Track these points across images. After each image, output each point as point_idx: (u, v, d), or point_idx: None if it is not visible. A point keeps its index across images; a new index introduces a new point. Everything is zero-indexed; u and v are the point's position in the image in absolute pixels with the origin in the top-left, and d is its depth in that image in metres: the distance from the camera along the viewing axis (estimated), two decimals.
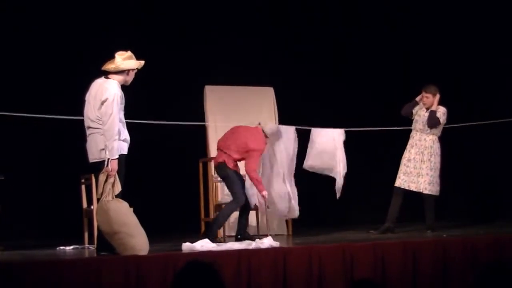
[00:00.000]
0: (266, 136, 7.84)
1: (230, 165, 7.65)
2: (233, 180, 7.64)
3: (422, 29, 10.39)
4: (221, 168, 7.69)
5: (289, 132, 8.31)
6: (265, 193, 7.73)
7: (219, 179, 8.59)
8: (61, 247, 7.43)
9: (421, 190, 8.27)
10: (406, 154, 8.40)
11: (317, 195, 9.96)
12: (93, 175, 7.12)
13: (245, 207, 7.79)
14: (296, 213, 8.25)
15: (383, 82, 10.32)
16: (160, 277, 5.58)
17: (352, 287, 3.42)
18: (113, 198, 6.19)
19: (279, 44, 10.17)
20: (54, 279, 5.41)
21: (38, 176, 9.27)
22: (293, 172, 8.29)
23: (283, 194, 8.18)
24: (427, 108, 8.38)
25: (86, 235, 7.92)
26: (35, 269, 5.47)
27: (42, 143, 9.15)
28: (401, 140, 8.56)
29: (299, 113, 9.80)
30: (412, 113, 8.45)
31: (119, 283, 5.52)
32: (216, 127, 8.83)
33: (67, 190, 8.63)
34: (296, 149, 8.34)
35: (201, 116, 9.13)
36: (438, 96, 8.34)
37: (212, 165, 8.62)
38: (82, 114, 6.60)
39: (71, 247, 7.51)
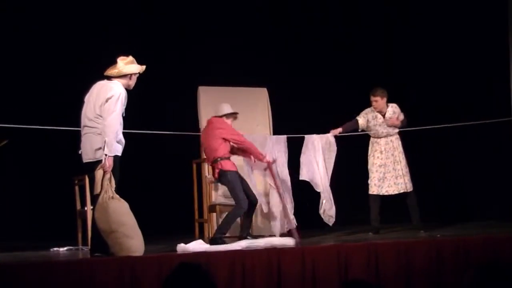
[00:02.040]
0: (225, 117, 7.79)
1: (226, 167, 7.60)
2: (233, 185, 7.57)
3: (418, 31, 10.41)
4: (221, 175, 7.65)
5: (280, 142, 8.31)
6: (267, 158, 7.77)
7: (212, 179, 8.60)
8: (55, 249, 7.43)
9: (406, 190, 8.28)
10: (376, 161, 8.37)
11: (310, 195, 9.96)
12: (87, 175, 7.12)
13: (249, 208, 7.66)
14: (294, 222, 8.24)
15: (378, 83, 10.33)
16: (155, 278, 5.57)
17: None
18: (113, 193, 6.20)
19: (273, 45, 10.19)
20: (48, 281, 5.41)
21: (31, 177, 9.26)
22: (289, 182, 8.26)
23: (280, 208, 8.18)
24: (379, 111, 8.39)
25: (80, 236, 7.93)
26: (29, 271, 5.46)
27: (35, 144, 9.14)
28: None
29: (293, 114, 9.81)
30: (357, 129, 8.46)
31: (113, 284, 5.52)
32: None
33: (61, 191, 8.62)
34: (287, 158, 8.32)
35: (194, 117, 9.13)
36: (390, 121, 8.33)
37: (205, 166, 8.63)
38: (74, 117, 6.62)
39: (65, 248, 7.51)
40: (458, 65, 10.20)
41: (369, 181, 8.39)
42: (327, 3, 10.49)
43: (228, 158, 7.66)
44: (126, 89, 6.50)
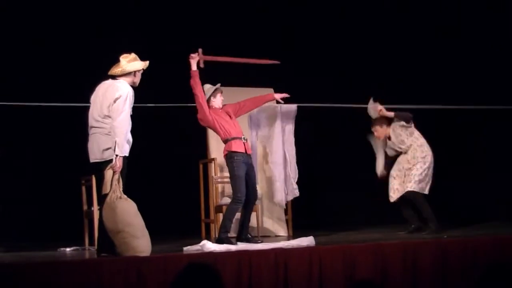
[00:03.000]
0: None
1: (234, 148, 7.34)
2: (236, 172, 7.30)
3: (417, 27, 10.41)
4: (228, 157, 7.40)
5: (290, 111, 8.37)
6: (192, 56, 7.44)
7: (219, 180, 8.59)
8: (62, 249, 7.43)
9: (408, 189, 8.24)
10: (392, 172, 8.43)
11: (317, 196, 9.96)
12: (93, 175, 7.12)
13: (246, 205, 7.44)
14: (296, 192, 8.25)
15: (382, 82, 10.33)
16: (161, 278, 5.57)
17: None
18: (121, 193, 6.19)
19: (279, 45, 10.17)
20: (55, 281, 5.41)
21: (38, 177, 9.27)
22: (294, 150, 8.31)
23: (284, 176, 8.19)
24: (383, 139, 8.46)
25: (86, 236, 7.93)
26: (36, 271, 5.47)
27: (42, 143, 9.16)
28: None
29: (298, 113, 9.79)
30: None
31: (120, 284, 5.52)
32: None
33: (68, 191, 8.63)
34: (293, 126, 8.38)
35: None
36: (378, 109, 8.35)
37: (212, 166, 8.62)
38: (81, 114, 6.62)
39: (72, 248, 7.51)
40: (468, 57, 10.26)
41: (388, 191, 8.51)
42: (330, 3, 10.49)
43: (238, 138, 7.43)
44: (132, 86, 6.48)
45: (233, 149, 7.37)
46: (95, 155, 6.39)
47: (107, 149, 6.28)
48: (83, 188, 8.05)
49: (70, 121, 8.08)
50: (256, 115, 8.32)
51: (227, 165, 7.50)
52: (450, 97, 10.00)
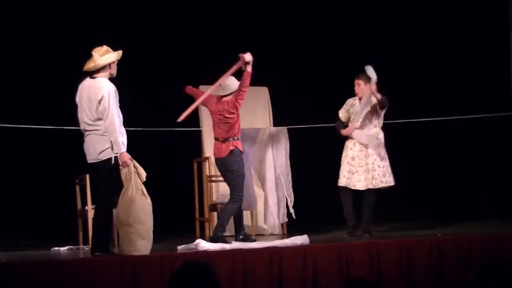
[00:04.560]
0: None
1: (239, 146, 7.27)
2: (240, 172, 7.26)
3: (416, 26, 10.41)
4: (234, 154, 7.23)
5: (280, 134, 8.29)
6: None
7: (213, 178, 8.57)
8: (56, 248, 7.42)
9: (375, 186, 7.75)
10: (348, 152, 7.88)
11: (312, 194, 9.94)
12: (88, 175, 7.12)
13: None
14: (285, 217, 8.17)
15: (382, 82, 10.32)
16: (156, 277, 5.58)
17: (348, 287, 3.42)
18: (143, 189, 6.21)
19: (274, 43, 10.16)
20: (49, 280, 5.41)
21: (32, 177, 9.25)
22: (290, 173, 8.22)
23: (277, 201, 8.12)
24: (360, 98, 7.91)
25: (80, 235, 7.91)
26: (30, 270, 5.47)
27: (36, 144, 9.13)
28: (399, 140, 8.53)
29: (294, 112, 9.79)
30: (343, 123, 8.02)
31: (115, 283, 5.51)
32: (211, 127, 8.82)
33: (62, 190, 8.61)
34: (288, 150, 8.28)
35: (195, 115, 9.11)
36: (373, 85, 7.75)
37: (206, 165, 8.60)
38: (74, 117, 6.59)
39: (66, 247, 7.50)
40: (457, 59, 10.23)
41: (339, 173, 7.91)
42: (330, 3, 10.48)
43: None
44: (111, 78, 6.40)
45: (241, 148, 7.36)
46: (91, 156, 6.38)
47: (104, 150, 6.27)
48: (77, 188, 8.03)
49: (63, 120, 8.04)
50: (247, 138, 8.14)
51: (230, 161, 7.29)
52: (449, 96, 10.01)
